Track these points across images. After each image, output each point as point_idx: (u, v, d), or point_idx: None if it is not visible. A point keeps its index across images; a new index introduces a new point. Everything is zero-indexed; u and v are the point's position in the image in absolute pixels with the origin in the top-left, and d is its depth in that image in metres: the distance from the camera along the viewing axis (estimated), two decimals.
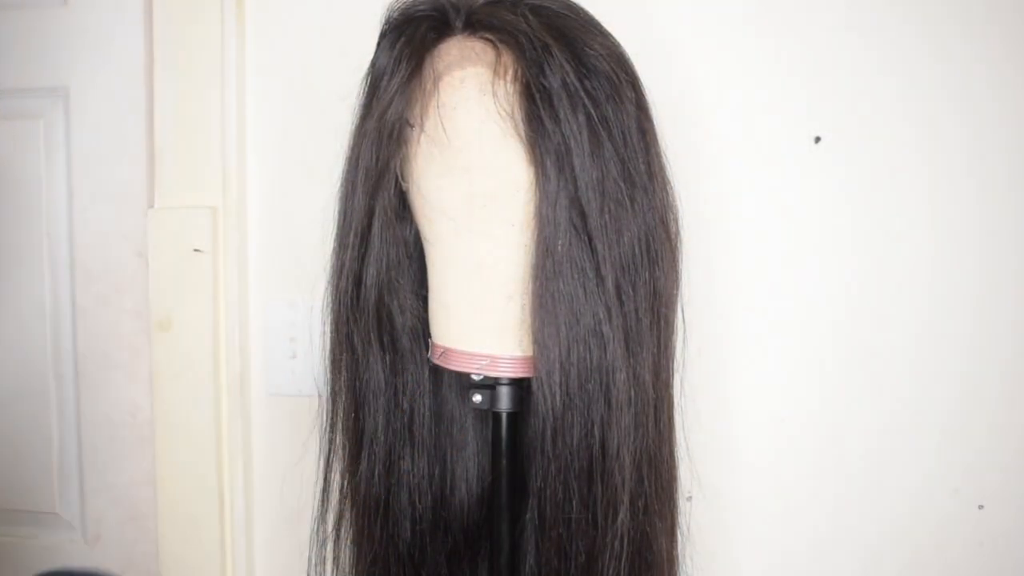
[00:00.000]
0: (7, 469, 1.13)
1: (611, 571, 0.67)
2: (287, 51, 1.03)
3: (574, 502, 0.66)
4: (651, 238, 0.67)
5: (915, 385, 0.94)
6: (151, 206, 1.05)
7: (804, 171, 0.93)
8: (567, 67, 0.64)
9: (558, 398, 0.64)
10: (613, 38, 0.69)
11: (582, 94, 0.64)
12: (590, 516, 0.66)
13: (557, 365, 0.64)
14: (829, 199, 0.93)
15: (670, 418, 0.73)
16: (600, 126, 0.64)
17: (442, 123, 0.65)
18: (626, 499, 0.66)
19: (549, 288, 0.64)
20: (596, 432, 0.65)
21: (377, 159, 0.68)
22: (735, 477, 0.97)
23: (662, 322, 0.69)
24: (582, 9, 0.69)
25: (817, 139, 0.93)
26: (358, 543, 0.76)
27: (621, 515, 0.66)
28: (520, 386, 0.72)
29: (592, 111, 0.64)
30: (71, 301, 1.10)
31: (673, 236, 0.70)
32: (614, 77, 0.65)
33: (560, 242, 0.63)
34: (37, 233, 1.10)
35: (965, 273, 0.92)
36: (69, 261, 1.09)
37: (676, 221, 0.71)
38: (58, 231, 1.10)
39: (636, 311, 0.66)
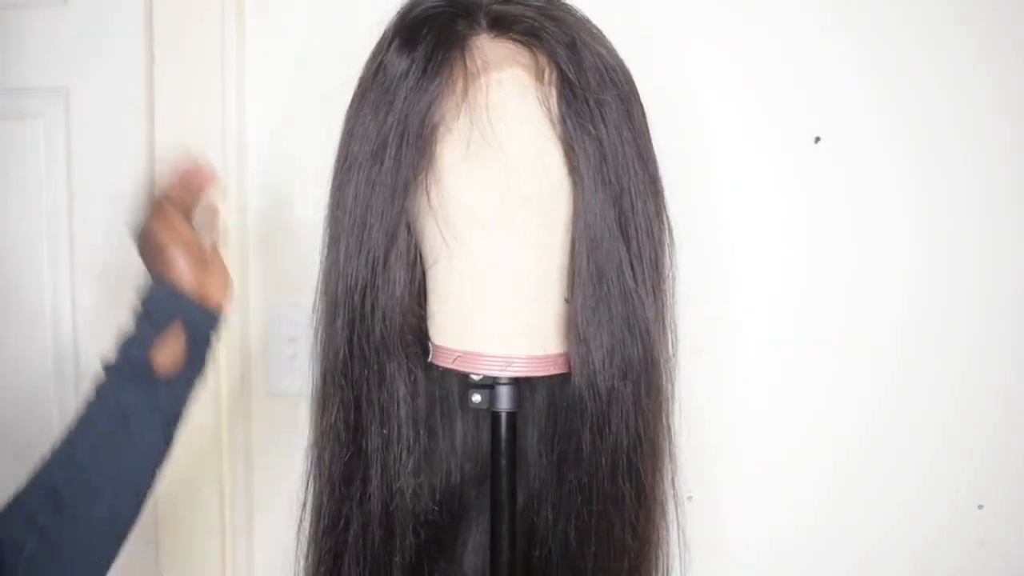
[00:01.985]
0: (7, 469, 1.13)
1: (661, 561, 0.71)
2: (288, 51, 1.03)
3: (626, 495, 0.68)
4: (663, 232, 0.69)
5: (915, 385, 0.94)
6: None
7: (804, 171, 0.93)
8: (599, 67, 0.65)
9: (603, 394, 0.66)
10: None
11: (613, 94, 0.65)
12: (641, 508, 0.70)
13: (603, 362, 0.66)
14: (829, 199, 0.93)
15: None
16: (626, 124, 0.65)
17: (479, 125, 0.65)
18: (671, 488, 0.72)
19: (591, 288, 0.65)
20: (638, 424, 0.68)
21: (400, 159, 0.67)
22: (735, 477, 0.97)
23: (670, 315, 0.71)
24: (579, 11, 0.70)
25: (817, 139, 0.93)
26: (351, 542, 0.75)
27: (670, 501, 0.71)
28: (519, 385, 0.72)
29: (621, 110, 0.65)
30: (71, 301, 1.10)
31: (668, 229, 0.72)
32: (628, 77, 0.68)
33: (604, 242, 0.65)
34: (37, 233, 1.10)
35: (965, 272, 0.92)
36: (69, 261, 1.09)
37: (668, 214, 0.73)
38: (58, 231, 1.10)
39: (664, 305, 0.69)
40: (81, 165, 1.09)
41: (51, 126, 1.09)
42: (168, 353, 0.70)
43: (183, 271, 0.70)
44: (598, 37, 0.68)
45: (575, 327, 0.66)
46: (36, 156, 1.09)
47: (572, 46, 0.64)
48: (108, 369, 0.71)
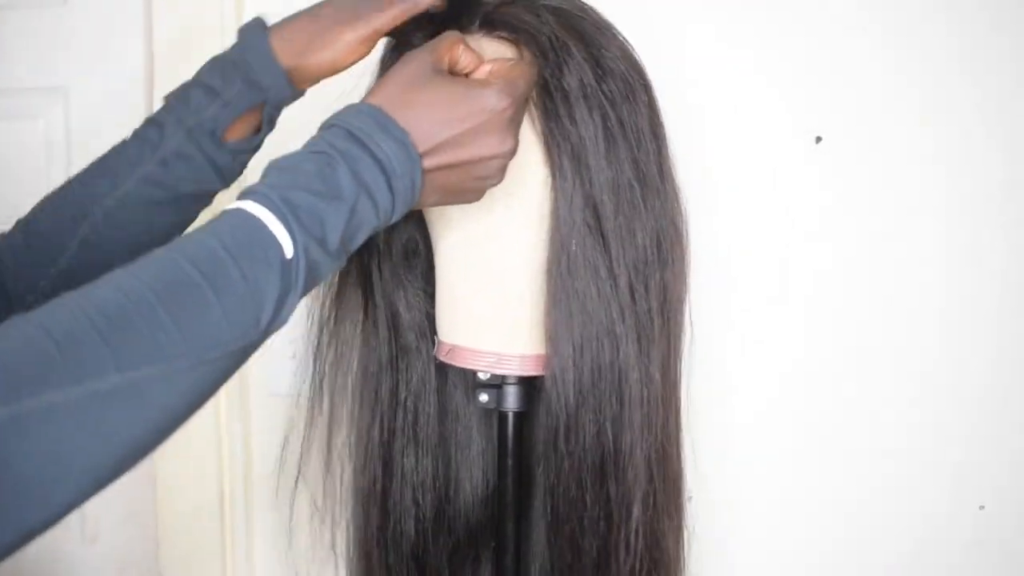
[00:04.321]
0: None
1: (625, 567, 0.68)
2: None
3: (587, 498, 0.67)
4: (662, 239, 0.67)
5: (915, 385, 0.94)
6: None
7: (804, 171, 0.93)
8: (585, 67, 0.64)
9: (572, 396, 0.65)
10: (625, 40, 0.69)
11: (600, 95, 0.64)
12: (603, 513, 0.67)
13: (571, 363, 0.65)
14: (829, 199, 0.93)
15: (678, 418, 0.74)
16: (616, 127, 0.65)
17: None
18: (639, 496, 0.67)
19: (563, 287, 0.64)
20: (609, 430, 0.66)
21: None
22: (735, 477, 0.97)
23: (671, 322, 0.70)
24: (595, 11, 0.69)
25: (818, 139, 0.93)
26: (358, 539, 0.76)
27: (636, 512, 0.67)
28: (527, 385, 0.72)
29: (609, 112, 0.64)
30: None
31: (683, 238, 0.71)
32: (629, 79, 0.66)
33: (575, 241, 0.64)
34: None
35: (963, 272, 0.92)
36: None
37: (686, 223, 0.71)
38: None
39: (648, 311, 0.67)
40: (81, 165, 1.08)
41: (51, 126, 1.09)
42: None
43: None
44: (608, 37, 0.67)
45: (544, 326, 0.66)
46: (36, 156, 1.09)
47: (561, 45, 0.64)
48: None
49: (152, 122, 0.68)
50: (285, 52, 0.64)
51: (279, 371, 1.06)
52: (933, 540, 0.95)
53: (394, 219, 0.55)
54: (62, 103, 1.08)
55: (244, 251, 0.46)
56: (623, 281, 0.65)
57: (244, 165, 0.68)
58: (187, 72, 1.05)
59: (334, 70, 0.66)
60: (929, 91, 0.91)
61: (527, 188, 0.65)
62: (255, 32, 0.65)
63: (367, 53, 0.65)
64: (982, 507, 0.94)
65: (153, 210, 0.66)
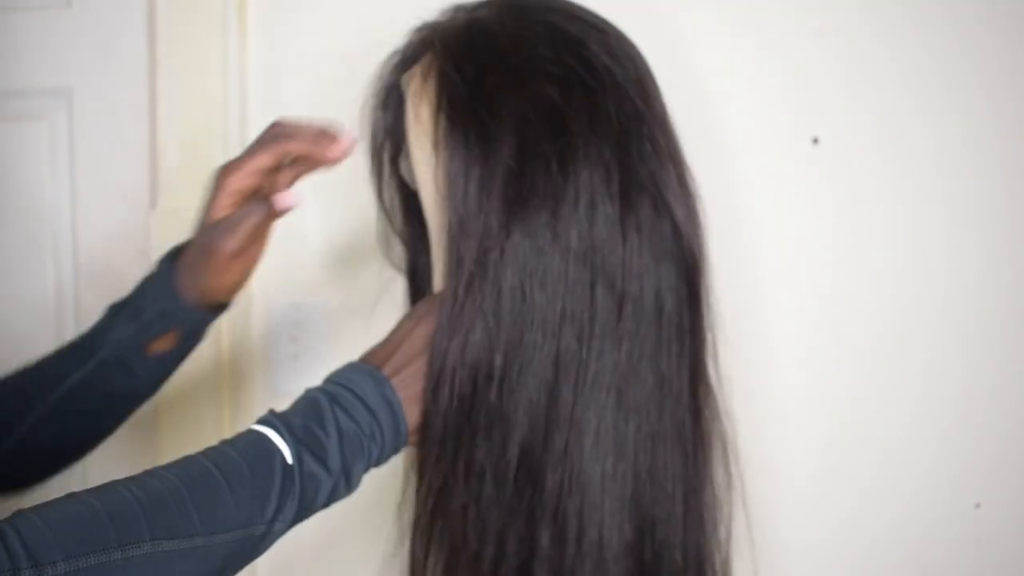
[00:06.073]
0: None
1: None
2: (289, 51, 1.04)
3: None
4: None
5: (912, 384, 0.94)
6: (154, 206, 1.06)
7: (802, 172, 0.94)
8: (485, 42, 0.62)
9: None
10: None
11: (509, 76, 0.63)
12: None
13: None
14: (827, 200, 0.94)
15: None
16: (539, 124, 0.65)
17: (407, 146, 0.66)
18: None
19: None
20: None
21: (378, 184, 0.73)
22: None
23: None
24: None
25: (815, 140, 0.93)
26: None
27: None
28: None
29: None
30: (75, 301, 1.10)
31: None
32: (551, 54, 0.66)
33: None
34: (41, 233, 1.11)
35: (962, 272, 0.92)
36: (73, 261, 1.10)
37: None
38: (62, 231, 1.10)
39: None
40: (84, 166, 1.09)
41: (54, 127, 1.09)
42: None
43: None
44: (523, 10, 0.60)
45: None
46: (40, 157, 1.10)
47: (466, 33, 0.58)
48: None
49: (85, 337, 0.73)
50: (186, 283, 0.70)
51: (282, 371, 1.07)
52: (930, 539, 0.95)
53: (387, 437, 0.60)
54: (65, 104, 1.09)
55: (251, 455, 0.56)
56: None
57: (170, 372, 0.74)
58: (190, 74, 1.06)
59: (236, 284, 0.71)
60: (928, 91, 0.91)
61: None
62: (163, 264, 0.73)
63: (256, 258, 0.71)
64: (979, 505, 0.94)
65: (86, 415, 0.74)
